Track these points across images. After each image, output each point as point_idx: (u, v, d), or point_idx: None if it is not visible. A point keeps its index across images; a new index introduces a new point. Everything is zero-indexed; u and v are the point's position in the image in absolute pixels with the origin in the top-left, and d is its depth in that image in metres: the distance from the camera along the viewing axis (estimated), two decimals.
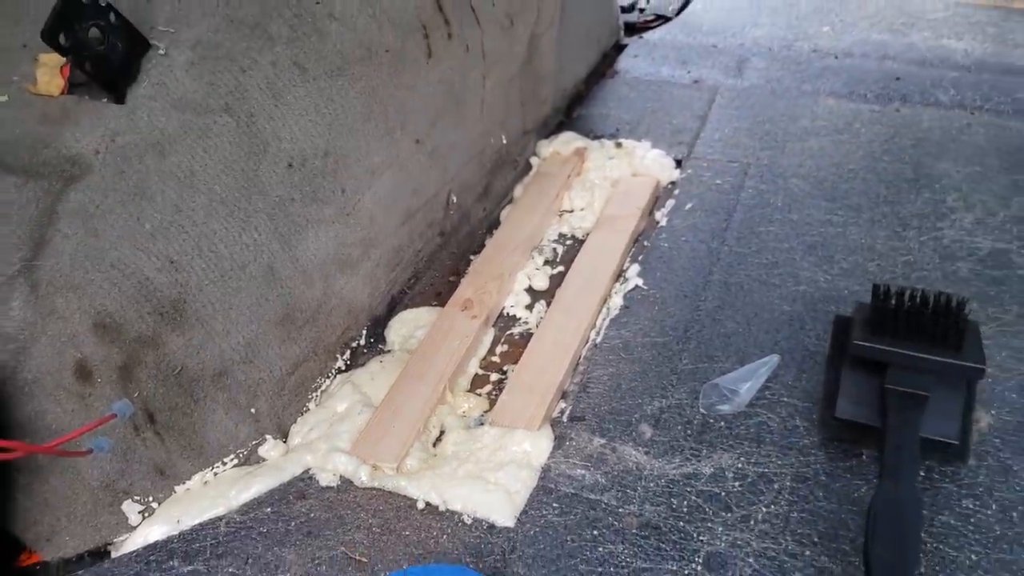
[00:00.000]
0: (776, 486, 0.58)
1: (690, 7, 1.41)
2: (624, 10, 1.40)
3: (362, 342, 0.73)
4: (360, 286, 0.71)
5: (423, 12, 0.76)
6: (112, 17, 0.53)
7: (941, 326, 0.57)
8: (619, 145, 1.01)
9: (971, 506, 0.56)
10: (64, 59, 0.54)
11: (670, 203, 0.90)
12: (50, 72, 0.56)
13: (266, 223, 0.62)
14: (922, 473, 0.58)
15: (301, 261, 0.64)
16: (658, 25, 1.36)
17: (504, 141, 0.94)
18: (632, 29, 1.35)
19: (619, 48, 1.28)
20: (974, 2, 1.32)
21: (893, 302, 0.59)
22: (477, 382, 0.71)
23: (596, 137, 1.03)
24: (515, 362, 0.71)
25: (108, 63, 0.53)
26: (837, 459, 0.60)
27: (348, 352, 0.71)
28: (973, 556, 0.53)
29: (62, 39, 0.50)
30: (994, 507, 0.56)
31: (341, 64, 0.67)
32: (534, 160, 1.00)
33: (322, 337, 0.67)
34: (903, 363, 0.57)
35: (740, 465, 0.60)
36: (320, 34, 0.65)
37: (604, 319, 0.75)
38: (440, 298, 0.79)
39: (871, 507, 0.51)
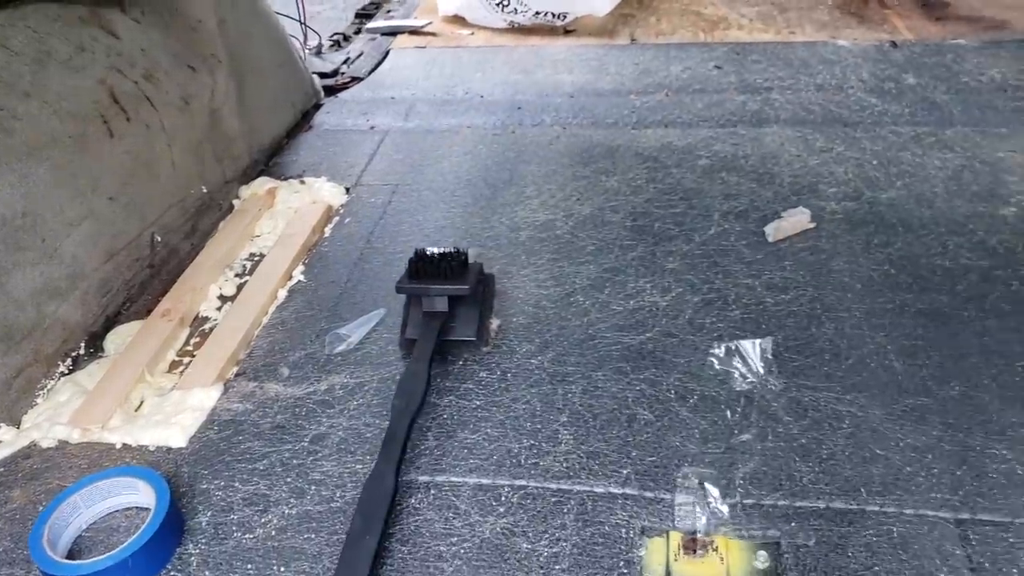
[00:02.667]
0: (366, 388, 0.87)
1: (380, 68, 1.73)
2: (326, 75, 1.71)
3: (82, 352, 0.97)
4: (73, 310, 0.95)
5: (100, 105, 1.02)
6: None
7: (449, 267, 0.89)
8: (303, 182, 1.29)
9: (484, 374, 0.87)
10: None
11: (336, 220, 1.20)
12: None
13: None
14: (460, 361, 0.89)
15: (13, 294, 0.88)
16: (352, 85, 1.67)
17: (205, 190, 1.21)
18: (331, 90, 1.66)
19: (318, 107, 1.58)
20: (584, 42, 1.72)
21: (426, 256, 0.91)
22: (173, 366, 0.97)
23: (286, 178, 1.31)
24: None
25: None
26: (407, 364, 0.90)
27: (69, 360, 0.95)
28: (478, 401, 0.84)
29: None
30: (498, 373, 0.87)
31: (29, 150, 0.92)
32: (236, 201, 1.28)
33: (41, 349, 0.91)
34: (426, 294, 0.89)
35: (345, 381, 0.89)
36: (6, 131, 0.90)
37: (272, 307, 1.03)
38: (151, 315, 1.04)
39: (399, 380, 0.82)
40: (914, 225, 1.01)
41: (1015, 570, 0.62)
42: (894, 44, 1.54)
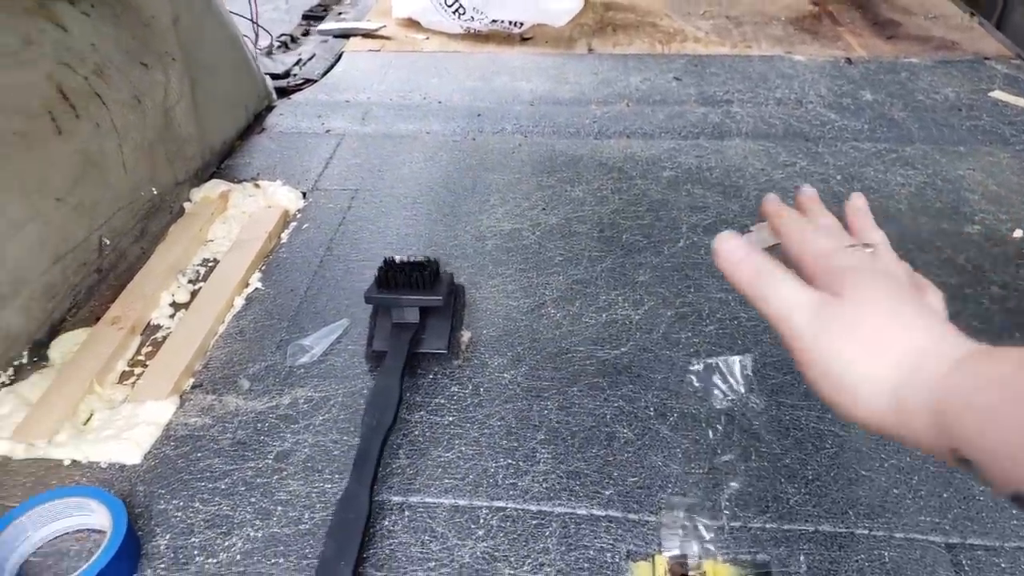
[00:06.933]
0: (331, 403, 0.84)
1: (333, 71, 1.69)
2: (278, 77, 1.66)
3: (24, 361, 0.91)
4: (15, 317, 0.90)
5: (48, 102, 0.96)
6: None
7: (420, 277, 0.86)
8: (257, 185, 1.25)
9: (456, 389, 0.85)
10: None
11: (293, 225, 1.16)
12: None
13: None
14: (429, 375, 0.86)
15: None
16: (305, 87, 1.63)
17: (155, 192, 1.15)
18: (284, 92, 1.61)
19: (270, 108, 1.53)
20: (542, 50, 1.71)
21: (395, 265, 0.88)
22: (124, 376, 0.92)
23: (239, 181, 1.26)
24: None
25: None
26: (374, 377, 0.87)
27: (11, 370, 0.89)
28: (451, 418, 0.81)
29: None
30: (470, 388, 0.85)
31: None
32: (187, 205, 1.22)
33: None
34: (396, 304, 0.86)
35: (310, 394, 0.85)
36: None
37: (229, 315, 0.99)
38: (99, 322, 0.99)
39: (369, 394, 0.79)
40: None
41: None
42: (849, 61, 1.57)
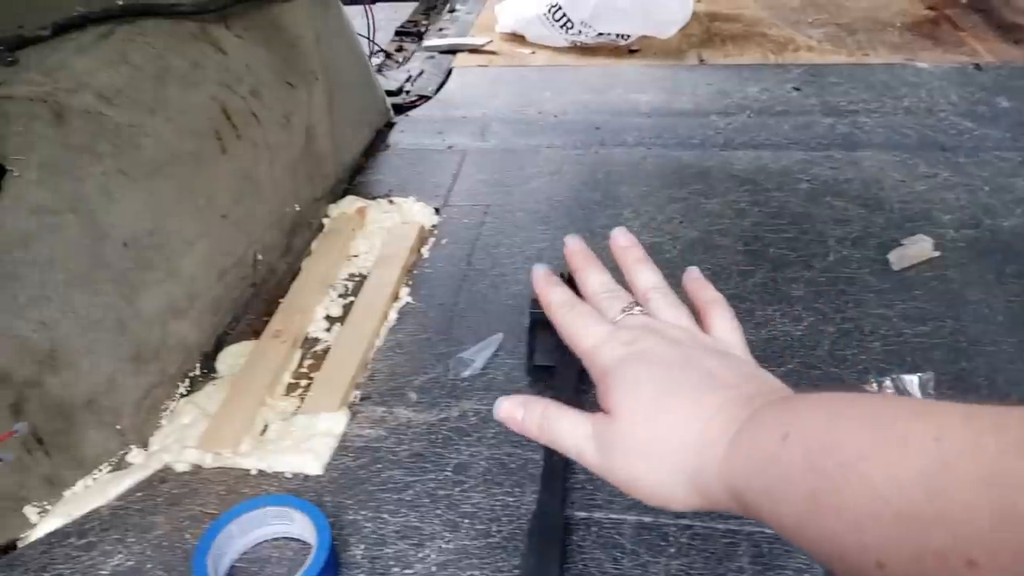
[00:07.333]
0: None
1: (445, 87, 1.72)
2: (393, 94, 1.69)
3: (198, 373, 0.95)
4: (190, 329, 0.94)
5: (214, 121, 1.01)
6: None
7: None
8: (391, 202, 1.28)
9: None
10: None
11: (431, 240, 1.18)
12: None
13: (112, 288, 0.84)
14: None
15: (142, 314, 0.86)
16: (420, 104, 1.66)
17: (298, 208, 1.19)
18: (400, 109, 1.64)
19: (390, 126, 1.56)
20: (652, 62, 1.72)
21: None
22: (291, 388, 0.95)
23: (373, 198, 1.29)
24: (319, 370, 0.96)
25: None
26: (540, 391, 0.88)
27: (188, 380, 0.93)
28: None
29: None
30: None
31: (155, 167, 0.90)
32: (326, 220, 1.26)
33: (166, 369, 0.89)
34: None
35: (477, 407, 0.87)
36: (136, 148, 0.89)
37: (384, 328, 1.02)
38: (257, 335, 1.02)
39: None
40: None
41: None
42: (978, 66, 1.53)
